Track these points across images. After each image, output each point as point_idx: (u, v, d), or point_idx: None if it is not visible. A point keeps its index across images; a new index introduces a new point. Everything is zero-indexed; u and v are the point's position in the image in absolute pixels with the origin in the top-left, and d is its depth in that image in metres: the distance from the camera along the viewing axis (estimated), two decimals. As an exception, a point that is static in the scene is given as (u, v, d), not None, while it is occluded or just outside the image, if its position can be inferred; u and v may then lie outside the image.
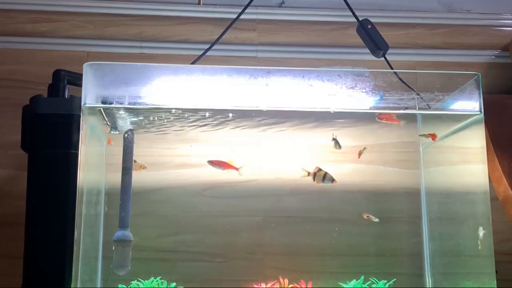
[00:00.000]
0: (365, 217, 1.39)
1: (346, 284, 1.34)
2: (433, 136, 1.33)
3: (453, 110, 1.28)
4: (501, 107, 1.57)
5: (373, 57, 1.32)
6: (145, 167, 1.33)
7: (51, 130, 1.21)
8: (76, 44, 1.61)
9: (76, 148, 1.17)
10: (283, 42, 1.67)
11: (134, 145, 1.32)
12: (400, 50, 1.67)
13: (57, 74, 1.28)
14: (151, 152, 1.42)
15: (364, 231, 1.44)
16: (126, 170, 1.30)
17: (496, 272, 1.16)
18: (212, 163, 1.29)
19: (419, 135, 1.40)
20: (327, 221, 1.44)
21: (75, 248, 1.09)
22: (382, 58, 1.31)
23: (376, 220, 1.39)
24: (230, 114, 1.25)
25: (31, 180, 1.20)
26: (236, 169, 1.29)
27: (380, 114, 1.27)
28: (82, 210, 1.12)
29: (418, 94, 1.24)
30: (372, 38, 1.29)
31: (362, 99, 1.22)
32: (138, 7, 1.65)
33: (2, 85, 1.57)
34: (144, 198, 1.41)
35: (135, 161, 1.29)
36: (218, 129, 1.36)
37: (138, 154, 1.33)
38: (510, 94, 1.66)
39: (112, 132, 1.33)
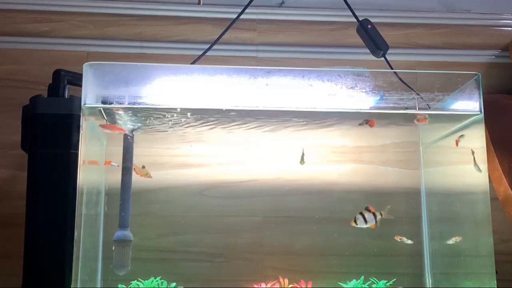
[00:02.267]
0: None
1: (346, 284, 1.34)
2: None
3: (453, 110, 1.28)
4: (501, 107, 1.57)
5: (373, 57, 1.31)
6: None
7: (51, 130, 1.21)
8: (76, 44, 1.61)
9: (76, 148, 1.16)
10: (283, 42, 1.67)
11: (134, 145, 1.32)
12: (400, 50, 1.67)
13: (57, 74, 1.28)
14: (151, 152, 1.42)
15: (364, 231, 1.44)
16: (126, 170, 1.31)
17: (496, 272, 1.16)
18: (103, 126, 1.27)
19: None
20: (327, 221, 1.44)
21: (75, 248, 1.09)
22: (382, 58, 1.31)
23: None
24: (229, 111, 1.25)
25: (31, 180, 1.20)
26: (122, 129, 1.30)
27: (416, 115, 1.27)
28: (82, 210, 1.12)
29: (418, 94, 1.24)
30: (372, 38, 1.29)
31: (362, 99, 1.22)
32: (138, 7, 1.65)
33: (2, 85, 1.57)
34: (144, 198, 1.41)
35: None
36: (218, 129, 1.36)
37: (138, 154, 1.33)
38: (510, 94, 1.66)
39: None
